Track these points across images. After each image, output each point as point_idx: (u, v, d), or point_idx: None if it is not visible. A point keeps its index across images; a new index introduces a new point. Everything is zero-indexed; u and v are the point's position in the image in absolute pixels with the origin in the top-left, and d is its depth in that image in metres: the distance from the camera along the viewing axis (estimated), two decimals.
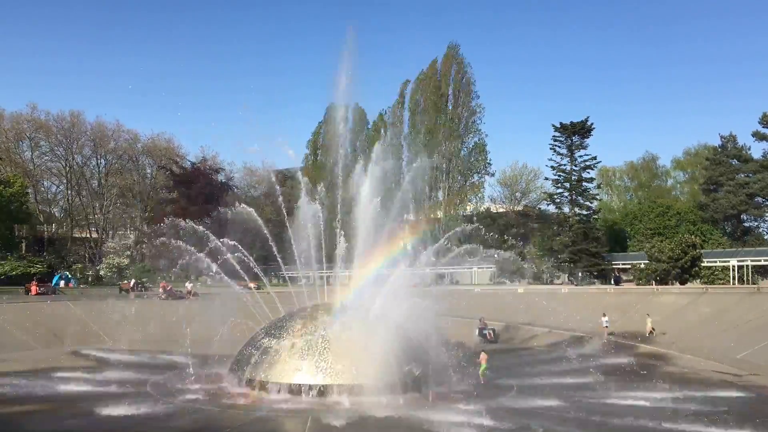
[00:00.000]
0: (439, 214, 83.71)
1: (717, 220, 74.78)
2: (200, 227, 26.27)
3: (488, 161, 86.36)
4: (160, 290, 45.47)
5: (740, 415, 18.02)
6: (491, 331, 36.71)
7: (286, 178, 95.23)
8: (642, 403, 19.75)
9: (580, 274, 63.85)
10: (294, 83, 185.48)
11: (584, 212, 66.52)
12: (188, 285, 48.94)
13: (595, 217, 68.90)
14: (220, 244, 25.83)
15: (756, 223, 77.94)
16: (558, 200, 68.18)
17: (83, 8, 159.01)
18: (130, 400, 19.12)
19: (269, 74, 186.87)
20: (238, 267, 26.42)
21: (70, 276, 54.75)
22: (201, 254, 25.66)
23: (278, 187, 34.81)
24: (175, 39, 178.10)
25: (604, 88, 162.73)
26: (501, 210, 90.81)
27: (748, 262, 59.07)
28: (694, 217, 74.04)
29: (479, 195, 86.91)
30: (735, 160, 75.69)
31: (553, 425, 16.70)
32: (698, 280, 53.64)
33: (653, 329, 34.88)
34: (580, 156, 66.21)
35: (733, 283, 56.59)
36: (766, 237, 75.63)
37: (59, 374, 23.94)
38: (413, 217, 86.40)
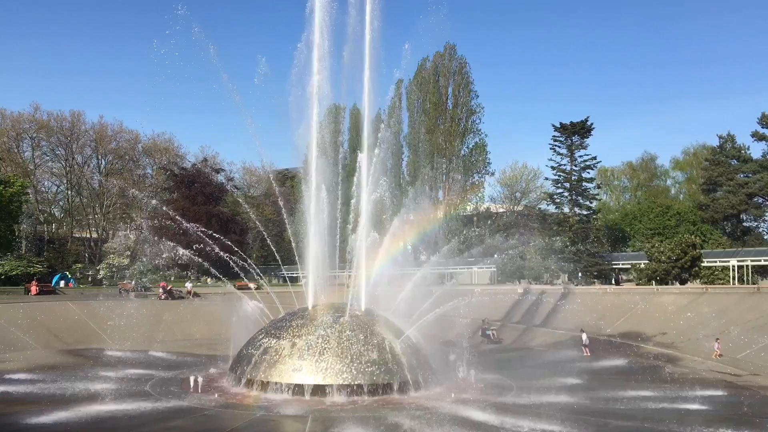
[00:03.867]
0: (439, 214, 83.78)
1: (717, 220, 74.80)
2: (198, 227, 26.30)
3: (488, 161, 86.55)
4: (160, 290, 45.50)
5: (738, 415, 18.03)
6: (494, 332, 36.50)
7: (285, 178, 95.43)
8: (643, 405, 19.75)
9: (580, 274, 63.82)
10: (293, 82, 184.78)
11: (584, 212, 66.49)
12: (188, 285, 49.02)
13: (595, 217, 68.87)
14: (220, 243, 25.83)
15: (756, 223, 78.02)
16: (558, 200, 68.13)
17: (85, 9, 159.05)
18: (130, 400, 19.14)
19: (271, 74, 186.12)
20: (236, 268, 26.42)
21: (70, 276, 54.74)
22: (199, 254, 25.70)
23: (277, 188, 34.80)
24: (176, 40, 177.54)
25: (603, 88, 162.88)
26: (501, 210, 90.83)
27: (748, 262, 59.06)
28: (694, 217, 74.04)
29: (479, 195, 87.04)
30: (734, 160, 75.78)
31: (552, 424, 16.70)
32: (698, 280, 53.61)
33: None
34: (580, 156, 66.20)
35: (733, 283, 56.57)
36: (765, 237, 75.67)
37: (59, 373, 23.97)
38: (413, 217, 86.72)
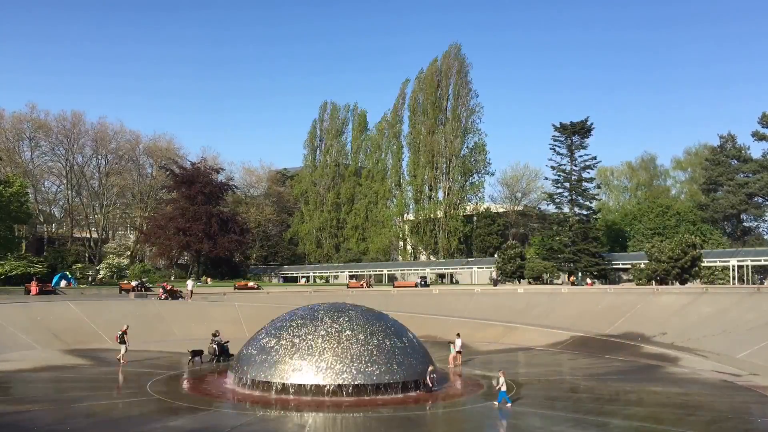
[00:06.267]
0: (439, 213, 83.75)
1: (717, 220, 74.76)
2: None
3: (488, 161, 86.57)
4: (160, 290, 45.47)
5: (738, 416, 18.03)
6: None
7: (285, 177, 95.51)
8: (643, 405, 19.76)
9: (580, 274, 63.83)
10: (297, 83, 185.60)
11: (584, 212, 66.50)
12: (189, 285, 48.95)
13: (595, 217, 68.89)
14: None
15: (756, 223, 78.07)
16: (558, 200, 68.15)
17: (85, 9, 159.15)
18: (130, 400, 19.13)
19: (271, 75, 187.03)
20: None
21: (70, 276, 54.69)
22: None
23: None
24: (176, 40, 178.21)
25: (604, 88, 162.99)
26: (501, 210, 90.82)
27: (748, 262, 59.06)
28: (694, 217, 74.03)
29: (479, 195, 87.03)
30: (735, 160, 75.81)
31: (551, 424, 16.70)
32: (698, 280, 53.57)
33: None
34: (580, 156, 66.29)
35: (733, 283, 56.55)
36: (766, 237, 75.67)
37: (59, 373, 23.95)
38: (413, 217, 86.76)
